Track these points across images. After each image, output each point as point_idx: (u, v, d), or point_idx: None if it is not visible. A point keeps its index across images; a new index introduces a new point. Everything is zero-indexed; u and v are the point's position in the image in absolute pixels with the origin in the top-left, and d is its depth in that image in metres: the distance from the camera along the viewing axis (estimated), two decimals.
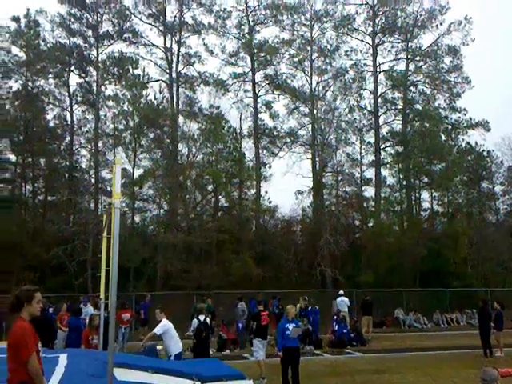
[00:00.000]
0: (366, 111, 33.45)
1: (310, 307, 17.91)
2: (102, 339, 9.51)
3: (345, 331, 17.41)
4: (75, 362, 6.48)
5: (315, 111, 32.05)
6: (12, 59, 29.62)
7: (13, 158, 29.83)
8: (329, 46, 32.85)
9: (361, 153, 33.60)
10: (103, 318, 9.33)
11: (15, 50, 29.90)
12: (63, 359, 6.60)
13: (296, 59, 32.69)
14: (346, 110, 32.45)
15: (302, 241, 31.45)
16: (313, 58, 32.75)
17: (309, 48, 32.77)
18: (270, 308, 18.15)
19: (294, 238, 31.07)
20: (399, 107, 33.66)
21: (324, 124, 31.50)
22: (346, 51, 32.99)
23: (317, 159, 31.57)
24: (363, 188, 33.63)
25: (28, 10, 29.92)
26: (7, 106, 29.07)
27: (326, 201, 31.98)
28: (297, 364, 9.80)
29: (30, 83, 30.06)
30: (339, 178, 32.35)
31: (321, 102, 32.33)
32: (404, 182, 33.54)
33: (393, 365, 12.90)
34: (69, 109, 30.66)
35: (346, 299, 19.86)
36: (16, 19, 29.56)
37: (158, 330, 9.51)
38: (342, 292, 20.41)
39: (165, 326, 9.51)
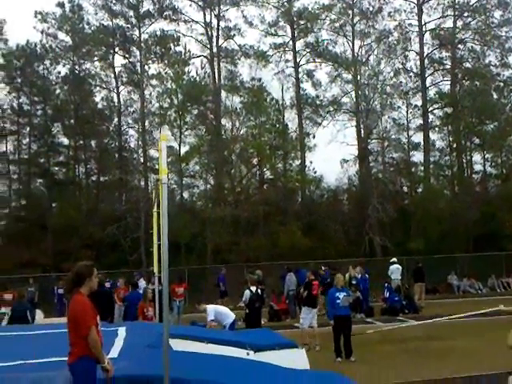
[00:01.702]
0: (411, 73, 32.32)
1: (359, 275, 17.89)
2: (158, 312, 9.97)
3: (396, 299, 17.32)
4: (133, 334, 6.80)
5: (358, 77, 31.29)
6: (59, 44, 30.53)
7: (65, 141, 31.16)
8: (371, 8, 31.77)
9: (407, 117, 32.67)
10: (157, 291, 9.72)
11: (61, 35, 30.86)
12: (122, 332, 6.95)
13: (337, 24, 31.90)
14: (391, 74, 31.48)
15: (349, 210, 31.25)
16: (354, 21, 31.80)
17: (350, 12, 31.80)
18: (319, 277, 18.29)
19: (340, 208, 30.91)
20: (447, 67, 32.27)
21: (368, 90, 30.75)
22: (390, 12, 31.79)
23: (362, 126, 30.99)
24: (411, 153, 32.77)
25: None
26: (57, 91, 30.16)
27: (372, 168, 31.49)
28: (349, 332, 9.93)
29: (77, 67, 30.96)
30: (385, 145, 31.68)
31: (364, 67, 31.57)
32: (454, 145, 32.43)
33: (447, 331, 12.75)
34: (115, 90, 31.40)
35: (399, 266, 19.70)
36: (61, 5, 30.33)
37: (209, 317, 9.87)
38: (395, 259, 20.16)
39: (212, 311, 9.87)
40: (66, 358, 4.30)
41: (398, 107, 32.01)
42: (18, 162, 30.60)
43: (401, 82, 32.02)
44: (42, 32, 30.38)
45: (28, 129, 30.81)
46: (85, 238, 25.51)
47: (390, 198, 29.02)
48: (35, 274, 22.07)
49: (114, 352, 5.50)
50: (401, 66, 32.02)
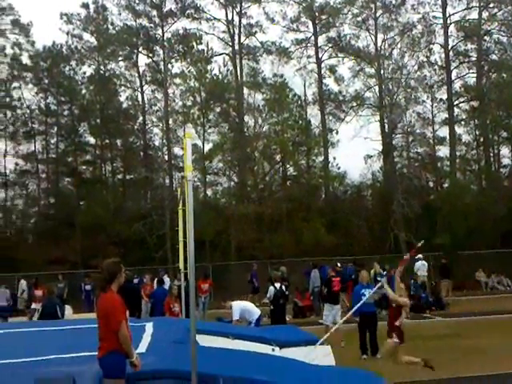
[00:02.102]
0: (436, 66, 31.75)
1: (385, 272, 17.73)
2: (184, 308, 10.12)
3: (423, 295, 17.15)
4: (160, 329, 6.90)
5: (382, 71, 30.99)
6: (84, 45, 31.09)
7: (92, 140, 31.75)
8: (394, 1, 31.27)
9: (432, 111, 32.19)
10: (183, 287, 9.85)
11: (86, 36, 31.43)
12: (149, 327, 7.07)
13: (359, 18, 31.58)
14: (415, 67, 31.02)
15: (373, 205, 30.98)
16: (377, 15, 31.42)
17: (372, 5, 31.44)
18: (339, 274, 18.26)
19: (364, 204, 30.69)
20: (473, 59, 31.58)
21: (392, 84, 30.45)
22: (413, 5, 31.24)
23: (385, 121, 30.67)
24: (436, 148, 32.26)
25: None
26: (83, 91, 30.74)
27: (396, 163, 31.11)
28: (374, 329, 9.89)
29: (102, 67, 31.49)
30: (410, 139, 31.31)
31: (387, 61, 31.22)
32: (481, 139, 31.82)
33: (474, 329, 12.59)
34: (139, 89, 31.85)
35: (425, 263, 19.47)
36: (85, 6, 30.90)
37: (235, 316, 9.91)
38: (420, 256, 19.89)
39: (236, 309, 9.91)
40: (96, 353, 4.41)
41: (423, 101, 31.60)
42: (47, 161, 31.34)
43: (425, 75, 31.55)
44: (67, 33, 31.08)
45: (55, 128, 31.47)
46: (112, 235, 25.96)
47: (415, 194, 28.70)
48: (64, 270, 22.60)
49: (142, 347, 5.59)
50: (425, 59, 31.50)
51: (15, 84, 30.96)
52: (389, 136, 30.09)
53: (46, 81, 30.87)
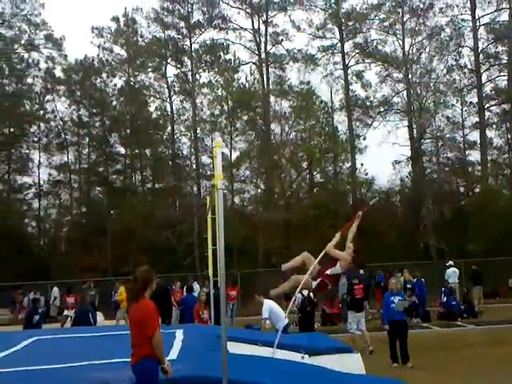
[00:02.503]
0: (466, 70, 31.25)
1: (415, 279, 17.50)
2: (214, 315, 10.22)
3: (454, 303, 16.81)
4: (190, 336, 7.03)
5: (410, 76, 30.73)
6: (115, 58, 31.89)
7: (122, 150, 32.45)
8: (421, 5, 31.03)
9: (462, 115, 31.64)
10: (212, 294, 9.95)
11: (117, 48, 32.28)
12: (179, 334, 7.21)
13: (386, 23, 31.45)
14: (444, 71, 30.64)
15: (402, 212, 30.57)
16: (404, 19, 31.22)
17: (400, 10, 31.23)
18: (373, 281, 18.08)
19: (393, 210, 30.29)
20: (504, 62, 30.97)
21: (420, 88, 30.17)
22: (441, 8, 30.89)
23: (414, 126, 30.34)
24: (467, 152, 31.67)
25: (125, 9, 32.06)
26: (114, 103, 31.50)
27: (426, 169, 30.73)
28: (405, 337, 9.75)
29: (132, 79, 32.22)
30: (439, 144, 30.83)
31: (415, 66, 30.98)
32: None
33: (507, 337, 12.27)
34: (168, 99, 32.35)
35: (456, 270, 19.10)
36: (115, 19, 31.74)
37: (264, 314, 9.93)
38: (451, 262, 19.56)
39: (267, 308, 9.92)
40: (128, 359, 4.51)
41: (453, 105, 31.12)
42: (79, 171, 32.16)
43: (455, 78, 31.10)
44: (98, 46, 32.01)
45: (87, 139, 32.35)
46: (141, 242, 26.35)
47: (445, 199, 28.20)
48: (95, 277, 23.00)
49: (173, 354, 5.72)
50: (454, 63, 31.07)
51: (49, 97, 32.06)
52: (418, 141, 29.72)
53: (78, 93, 31.82)
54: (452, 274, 18.76)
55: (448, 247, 24.86)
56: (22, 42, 30.95)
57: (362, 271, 17.91)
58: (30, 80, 31.63)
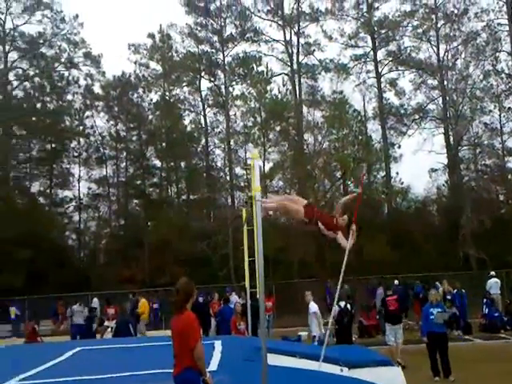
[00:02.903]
0: (503, 75, 30.49)
1: (455, 290, 17.08)
2: (251, 326, 10.27)
3: (496, 314, 16.31)
4: (229, 348, 7.10)
5: (445, 82, 30.37)
6: (151, 73, 32.73)
7: (158, 163, 33.11)
8: (456, 11, 30.64)
9: (500, 121, 30.73)
10: (249, 305, 10.01)
11: (152, 64, 33.15)
12: (218, 345, 7.29)
13: (420, 30, 31.20)
14: (481, 77, 30.03)
15: (440, 221, 29.89)
16: (438, 25, 30.91)
17: (433, 16, 30.97)
18: (411, 292, 17.74)
19: (430, 219, 29.67)
20: None
21: (456, 94, 29.70)
22: (476, 13, 30.39)
23: (450, 133, 29.86)
24: (506, 159, 30.73)
25: (160, 25, 32.94)
26: (150, 117, 32.25)
27: (464, 177, 30.06)
28: (445, 350, 9.54)
29: (167, 93, 32.94)
30: (477, 151, 30.12)
31: (451, 72, 30.60)
32: None
33: None
34: (202, 112, 33.02)
35: (498, 280, 18.54)
36: (151, 36, 32.62)
37: (312, 310, 9.95)
38: (493, 273, 18.99)
39: (314, 306, 9.97)
40: (170, 370, 4.62)
41: (490, 111, 30.35)
42: (117, 184, 32.96)
43: (492, 84, 30.39)
44: (135, 62, 33.02)
45: (125, 153, 33.21)
46: (177, 254, 26.68)
47: (484, 208, 27.40)
48: (134, 289, 23.41)
49: (213, 365, 5.80)
50: (491, 68, 30.37)
51: (88, 113, 33.19)
52: (455, 148, 29.18)
53: (116, 108, 32.79)
54: (494, 284, 18.19)
55: (488, 257, 24.15)
56: (62, 60, 32.15)
57: (396, 281, 17.67)
58: (70, 97, 32.94)
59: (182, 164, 32.94)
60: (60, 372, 6.09)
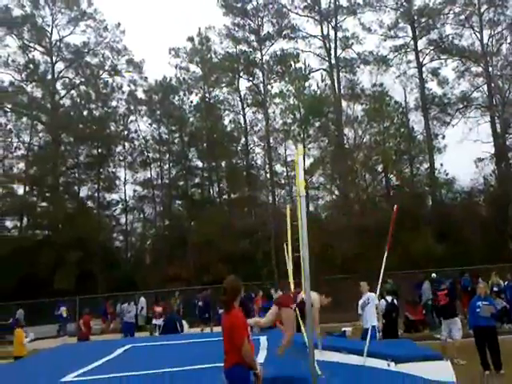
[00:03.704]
0: None
1: (506, 282, 16.56)
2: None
3: None
4: (274, 342, 7.23)
5: (490, 69, 29.37)
6: (191, 76, 33.29)
7: (200, 164, 33.63)
8: None
9: None
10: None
11: (192, 67, 33.72)
12: (264, 341, 7.44)
13: (462, 16, 30.30)
14: None
15: (487, 211, 28.93)
16: (481, 11, 29.88)
17: (476, 1, 29.94)
18: (459, 286, 17.31)
19: (477, 210, 28.77)
20: None
21: (502, 81, 28.87)
22: None
23: (497, 121, 28.82)
24: None
25: (199, 28, 33.49)
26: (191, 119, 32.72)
27: None
28: (494, 344, 9.32)
29: (207, 95, 33.42)
30: None
31: (496, 58, 29.67)
32: None
33: None
34: (241, 112, 33.27)
35: None
36: (190, 39, 33.18)
37: (374, 302, 10.10)
38: None
39: (373, 296, 10.04)
40: (219, 364, 4.78)
41: None
42: (161, 186, 33.65)
43: None
44: (175, 66, 33.64)
45: (168, 156, 33.86)
46: (221, 252, 27.05)
47: None
48: (180, 287, 23.92)
49: (260, 359, 5.93)
50: None
51: (132, 118, 34.04)
52: (502, 136, 28.23)
53: (158, 112, 33.43)
54: None
55: None
56: (106, 67, 33.17)
57: (434, 275, 17.29)
58: (114, 103, 33.87)
59: (223, 164, 33.31)
60: (112, 368, 6.37)
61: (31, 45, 32.16)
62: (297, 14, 31.98)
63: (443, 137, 30.28)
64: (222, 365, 4.71)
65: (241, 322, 4.61)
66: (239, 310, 4.71)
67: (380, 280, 7.76)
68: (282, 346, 6.66)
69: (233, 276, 4.91)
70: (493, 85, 28.86)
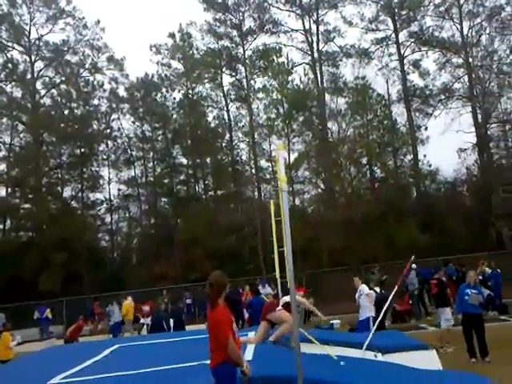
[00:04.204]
0: None
1: (490, 270, 16.78)
2: None
3: None
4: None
5: (470, 60, 29.66)
6: (173, 72, 33.04)
7: (184, 161, 33.44)
8: None
9: None
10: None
11: (174, 63, 33.47)
12: (252, 336, 7.41)
13: (442, 8, 30.57)
14: (507, 52, 29.31)
15: (471, 201, 29.33)
16: (461, 2, 30.15)
17: None
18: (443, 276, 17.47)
19: (460, 200, 29.14)
20: None
21: (482, 71, 29.15)
22: None
23: (478, 111, 29.14)
24: None
25: (180, 24, 33.23)
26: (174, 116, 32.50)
27: (494, 155, 29.36)
28: (481, 331, 9.44)
29: (190, 91, 33.19)
30: (507, 128, 29.36)
31: (476, 49, 30.00)
32: None
33: None
34: (225, 108, 33.15)
35: None
36: (171, 35, 32.87)
37: (366, 291, 10.40)
38: None
39: (366, 288, 10.17)
40: (206, 362, 4.73)
41: None
42: (146, 184, 33.43)
43: None
44: (157, 63, 33.41)
45: (151, 153, 33.61)
46: (207, 249, 27.00)
47: None
48: (167, 285, 23.83)
49: (248, 354, 5.91)
50: None
51: (114, 116, 33.72)
52: (483, 126, 28.54)
53: (141, 109, 33.15)
54: None
55: None
56: (87, 66, 32.75)
57: (414, 265, 17.44)
58: (96, 101, 33.51)
59: (208, 160, 33.19)
60: (99, 369, 6.30)
61: (9, 44, 31.63)
62: (278, 8, 32.03)
63: (426, 128, 30.65)
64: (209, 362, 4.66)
65: (225, 318, 4.53)
66: (224, 307, 4.63)
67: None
68: (276, 334, 6.67)
69: (218, 271, 4.80)
70: (473, 75, 29.16)
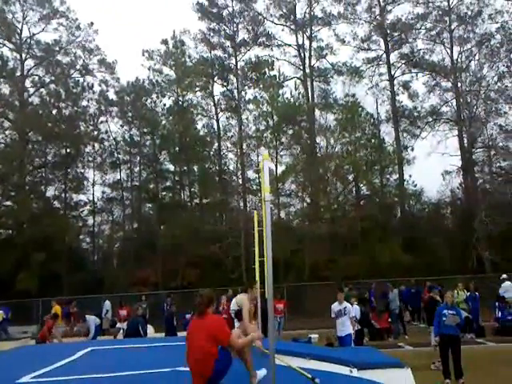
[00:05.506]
0: None
1: (468, 293, 16.91)
2: (261, 327, 10.27)
3: (510, 318, 16.10)
4: None
5: (459, 84, 30.11)
6: (164, 78, 33.02)
7: (171, 167, 33.32)
8: (469, 13, 30.44)
9: None
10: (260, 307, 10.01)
11: (166, 69, 33.46)
12: None
13: (433, 32, 31.15)
14: (495, 78, 29.80)
15: (453, 224, 29.64)
16: (452, 27, 30.73)
17: (447, 18, 30.86)
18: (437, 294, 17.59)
19: (443, 222, 29.43)
20: None
21: (470, 97, 29.57)
22: (490, 14, 30.22)
23: (465, 135, 29.57)
24: None
25: (174, 31, 33.28)
26: (163, 122, 32.49)
27: (478, 179, 29.77)
28: (457, 352, 9.45)
29: (180, 98, 33.20)
30: (492, 153, 29.78)
31: (465, 74, 30.46)
32: None
33: None
34: (215, 117, 33.15)
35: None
36: (165, 42, 32.93)
37: (352, 314, 10.56)
38: (505, 276, 18.77)
39: (355, 309, 10.23)
40: (180, 369, 4.71)
41: (505, 113, 29.98)
42: (131, 188, 33.23)
43: (506, 86, 30.05)
44: (149, 68, 33.32)
45: (138, 158, 33.45)
46: (190, 257, 26.84)
47: (499, 210, 27.08)
48: (147, 291, 23.60)
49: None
50: (506, 70, 30.09)
51: (102, 118, 33.51)
52: (468, 151, 28.93)
53: (130, 114, 33.01)
54: (508, 287, 17.95)
55: (503, 260, 23.85)
56: (78, 67, 32.60)
57: (403, 287, 17.54)
58: (84, 103, 33.28)
59: (195, 168, 33.10)
60: (72, 371, 6.22)
61: (0, 41, 31.38)
62: (272, 22, 32.40)
63: (412, 149, 30.98)
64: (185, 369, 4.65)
65: (222, 321, 4.88)
66: (218, 316, 5.07)
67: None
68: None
69: (208, 289, 5.22)
70: (461, 100, 29.62)
